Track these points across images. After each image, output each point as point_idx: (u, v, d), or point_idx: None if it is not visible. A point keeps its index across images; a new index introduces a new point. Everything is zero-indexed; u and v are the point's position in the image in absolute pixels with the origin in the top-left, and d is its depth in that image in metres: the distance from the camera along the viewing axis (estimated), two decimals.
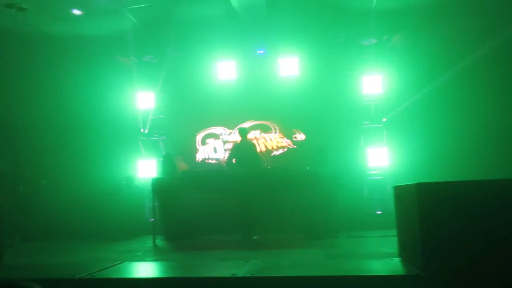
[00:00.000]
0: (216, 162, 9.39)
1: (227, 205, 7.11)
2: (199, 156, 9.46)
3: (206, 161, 9.42)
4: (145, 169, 9.33)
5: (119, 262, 4.42)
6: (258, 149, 8.45)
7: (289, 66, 8.89)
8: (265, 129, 9.25)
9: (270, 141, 9.20)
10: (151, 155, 9.44)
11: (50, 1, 7.00)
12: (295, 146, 9.15)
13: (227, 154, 8.81)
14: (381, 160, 8.73)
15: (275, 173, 7.37)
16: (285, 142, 9.18)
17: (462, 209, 3.28)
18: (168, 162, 7.89)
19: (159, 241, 6.84)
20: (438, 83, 8.16)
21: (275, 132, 9.22)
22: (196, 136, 9.51)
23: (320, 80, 8.75)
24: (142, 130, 9.59)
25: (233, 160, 7.58)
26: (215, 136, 9.44)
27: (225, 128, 9.41)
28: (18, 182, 8.11)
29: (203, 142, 9.47)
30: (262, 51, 9.18)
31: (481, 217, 3.23)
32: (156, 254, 5.88)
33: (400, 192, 3.95)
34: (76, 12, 7.09)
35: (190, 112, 9.32)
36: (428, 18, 7.86)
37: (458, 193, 3.32)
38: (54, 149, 8.67)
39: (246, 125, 9.09)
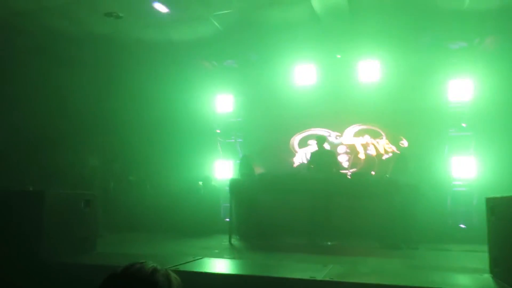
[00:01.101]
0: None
1: (303, 208, 7.07)
2: (297, 160, 9.42)
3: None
4: (222, 169, 9.62)
5: (200, 257, 4.61)
6: (337, 157, 8.30)
7: (370, 70, 8.69)
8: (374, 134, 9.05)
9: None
10: (229, 156, 9.71)
11: (143, 10, 7.48)
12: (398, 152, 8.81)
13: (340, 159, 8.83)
14: (467, 170, 8.21)
15: (353, 179, 7.24)
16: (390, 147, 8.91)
17: None
18: (245, 164, 8.05)
19: (234, 240, 7.00)
20: None
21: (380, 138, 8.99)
22: (290, 139, 9.49)
23: (402, 85, 8.45)
24: (218, 131, 9.89)
25: (311, 167, 7.59)
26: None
27: (329, 130, 9.24)
28: (108, 178, 8.73)
29: (304, 144, 9.36)
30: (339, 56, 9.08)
31: None
32: (233, 253, 6.03)
33: (494, 204, 3.70)
34: (162, 9, 7.42)
35: (267, 115, 9.44)
36: None
37: None
38: (140, 147, 9.22)
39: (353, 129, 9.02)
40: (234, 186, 7.32)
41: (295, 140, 9.47)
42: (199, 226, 8.07)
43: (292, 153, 9.48)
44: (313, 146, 8.87)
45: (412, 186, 6.90)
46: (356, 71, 8.85)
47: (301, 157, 9.38)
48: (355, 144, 9.05)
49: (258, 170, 8.33)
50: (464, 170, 8.24)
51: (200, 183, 8.86)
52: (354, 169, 8.93)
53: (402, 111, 8.52)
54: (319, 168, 7.44)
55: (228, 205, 7.53)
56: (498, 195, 3.79)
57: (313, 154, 7.96)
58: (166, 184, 9.28)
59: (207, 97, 9.82)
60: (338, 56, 9.04)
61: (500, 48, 8.12)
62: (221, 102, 9.86)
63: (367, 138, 9.01)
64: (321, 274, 3.63)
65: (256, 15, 7.73)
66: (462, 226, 8.22)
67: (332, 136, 9.17)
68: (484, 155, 8.09)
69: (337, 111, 9.02)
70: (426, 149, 8.36)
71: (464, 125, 8.35)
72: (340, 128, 9.17)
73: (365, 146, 9.00)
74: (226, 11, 7.58)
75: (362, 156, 8.99)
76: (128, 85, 9.29)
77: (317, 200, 6.86)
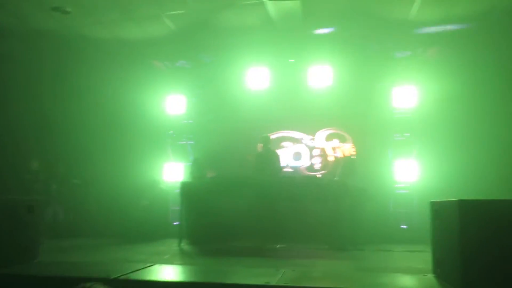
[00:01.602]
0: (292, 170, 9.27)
1: (253, 212, 7.10)
2: None
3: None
4: (172, 172, 9.44)
5: (151, 264, 4.49)
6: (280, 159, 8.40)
7: (322, 75, 8.87)
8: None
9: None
10: (179, 158, 9.55)
11: (92, 5, 7.18)
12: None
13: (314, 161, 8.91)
14: (408, 173, 8.62)
15: (302, 182, 7.35)
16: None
17: (506, 228, 3.22)
18: (196, 167, 7.96)
19: (184, 245, 6.88)
20: (471, 98, 8.04)
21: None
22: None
23: (351, 91, 8.74)
24: (170, 133, 9.71)
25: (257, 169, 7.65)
26: (295, 141, 9.36)
27: (302, 134, 9.33)
28: (51, 181, 8.30)
29: (276, 147, 9.24)
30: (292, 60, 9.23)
31: None
32: (184, 258, 5.92)
33: (439, 208, 3.90)
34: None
35: (220, 118, 9.38)
36: (466, 33, 7.77)
37: (502, 212, 3.27)
38: (86, 149, 8.85)
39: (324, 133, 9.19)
40: (185, 189, 7.21)
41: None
42: (147, 231, 7.85)
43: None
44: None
45: (360, 189, 7.15)
46: (308, 76, 9.00)
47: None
48: (325, 148, 9.26)
49: (210, 173, 8.26)
50: (406, 174, 8.63)
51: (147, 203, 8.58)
52: (324, 171, 9.12)
53: (351, 116, 8.81)
54: (265, 169, 7.50)
55: (178, 208, 7.40)
56: (436, 197, 4.02)
57: (258, 156, 8.01)
58: (113, 187, 8.96)
59: (158, 98, 9.59)
60: (291, 60, 9.17)
61: (441, 57, 8.63)
62: (172, 104, 9.67)
63: (335, 142, 9.23)
64: (274, 279, 3.66)
65: (211, 16, 7.67)
66: (404, 226, 8.62)
67: (305, 139, 9.32)
68: (425, 159, 8.54)
69: (290, 114, 9.14)
70: (372, 153, 8.70)
71: (407, 134, 8.76)
72: (302, 130, 9.35)
73: (334, 150, 9.22)
74: (179, 12, 7.44)
75: (331, 159, 9.21)
76: (74, 84, 8.88)
77: (267, 203, 6.91)
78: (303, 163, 9.28)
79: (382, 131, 8.81)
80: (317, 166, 9.24)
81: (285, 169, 9.11)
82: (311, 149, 9.28)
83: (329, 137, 9.25)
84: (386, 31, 8.00)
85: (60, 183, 8.55)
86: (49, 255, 5.17)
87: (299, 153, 9.28)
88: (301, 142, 9.29)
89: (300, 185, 7.03)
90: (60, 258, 5.28)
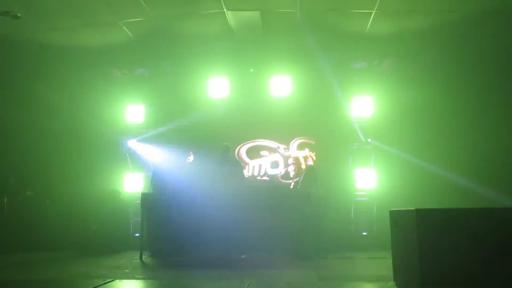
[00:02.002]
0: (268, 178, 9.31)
1: (215, 222, 7.03)
2: (247, 173, 9.29)
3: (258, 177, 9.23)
4: (132, 183, 9.22)
5: (111, 279, 4.35)
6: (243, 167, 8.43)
7: (282, 85, 8.96)
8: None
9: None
10: (139, 169, 9.34)
11: (45, 11, 6.93)
12: None
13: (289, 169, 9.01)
14: (368, 181, 8.85)
15: (265, 192, 7.36)
16: None
17: (462, 235, 3.36)
18: (157, 177, 7.82)
19: (145, 257, 6.72)
20: (425, 108, 8.40)
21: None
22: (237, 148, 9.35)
23: (312, 100, 8.90)
24: (130, 143, 9.49)
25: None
26: (272, 150, 9.41)
27: (277, 143, 9.42)
28: (2, 193, 7.89)
29: (254, 155, 9.30)
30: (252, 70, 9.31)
31: (481, 244, 3.31)
32: (146, 272, 5.76)
33: (398, 217, 4.02)
34: None
35: (180, 126, 9.28)
36: (418, 45, 8.11)
37: (458, 220, 3.41)
38: (40, 159, 8.50)
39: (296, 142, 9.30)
40: (146, 200, 7.05)
41: (242, 150, 9.43)
42: (106, 243, 7.65)
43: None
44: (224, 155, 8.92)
45: (322, 198, 7.26)
46: (268, 85, 9.07)
47: (252, 168, 9.39)
48: (298, 156, 9.35)
49: (171, 183, 8.12)
50: (366, 181, 8.86)
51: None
52: (297, 179, 9.16)
53: (312, 126, 8.97)
54: (226, 178, 7.47)
55: (139, 219, 7.22)
56: (395, 204, 4.16)
57: (219, 165, 7.96)
58: (71, 199, 8.63)
59: (116, 107, 9.36)
60: (251, 70, 9.23)
61: (395, 69, 8.97)
62: (131, 112, 9.45)
63: (307, 151, 9.34)
64: None
65: (170, 25, 7.58)
66: (364, 233, 8.83)
67: (281, 148, 9.38)
68: (382, 167, 8.81)
69: (249, 123, 9.17)
70: (333, 161, 8.89)
71: (369, 140, 9.01)
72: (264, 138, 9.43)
73: (305, 158, 9.30)
74: (138, 19, 7.31)
75: (303, 167, 9.27)
76: (27, 91, 8.50)
77: (229, 213, 6.87)
78: (280, 171, 9.37)
79: (342, 139, 9.03)
80: (292, 174, 9.35)
81: (263, 177, 9.24)
82: (286, 158, 9.39)
83: (300, 147, 9.37)
84: (344, 43, 8.22)
85: (12, 195, 8.13)
86: (1, 272, 4.89)
87: (277, 162, 9.36)
88: (277, 151, 9.40)
89: (262, 194, 7.04)
90: (14, 276, 5.01)
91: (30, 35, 7.68)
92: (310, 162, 9.25)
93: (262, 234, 6.98)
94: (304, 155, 9.34)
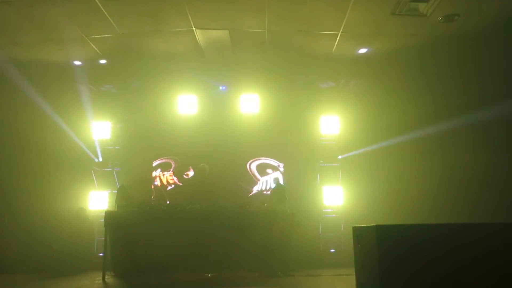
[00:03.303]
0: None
1: (181, 241, 6.91)
2: (258, 187, 9.36)
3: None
4: (97, 201, 8.99)
5: None
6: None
7: (250, 103, 9.04)
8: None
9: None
10: (104, 186, 9.15)
11: (5, 26, 6.76)
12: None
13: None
14: (335, 198, 8.95)
15: (231, 210, 7.32)
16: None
17: (421, 251, 3.42)
18: (122, 195, 7.64)
19: (109, 278, 6.53)
20: (390, 126, 8.62)
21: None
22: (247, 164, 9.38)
23: (280, 119, 9.00)
24: (96, 160, 9.31)
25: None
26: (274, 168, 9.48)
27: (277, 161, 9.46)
28: None
29: (262, 173, 9.41)
30: (224, 87, 9.34)
31: (440, 259, 3.38)
32: None
33: (360, 233, 4.05)
34: None
35: (147, 144, 9.18)
36: (383, 66, 8.37)
37: (417, 236, 3.48)
38: (1, 177, 8.20)
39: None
40: (110, 219, 6.87)
41: (253, 167, 9.41)
42: (69, 264, 7.44)
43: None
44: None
45: (289, 215, 7.27)
46: (237, 104, 9.13)
47: (261, 183, 9.38)
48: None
49: (137, 201, 7.97)
50: (333, 198, 8.96)
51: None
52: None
53: (280, 143, 9.07)
54: (199, 198, 7.41)
55: (103, 239, 7.03)
56: (361, 220, 4.20)
57: (192, 184, 7.91)
58: (30, 218, 8.32)
59: (83, 123, 9.18)
60: (221, 88, 9.27)
61: (361, 89, 9.22)
62: (97, 129, 9.29)
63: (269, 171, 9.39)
64: None
65: (139, 42, 7.55)
66: (332, 250, 8.88)
67: (280, 166, 9.41)
68: (349, 184, 8.94)
69: (219, 142, 9.10)
70: (301, 179, 8.96)
71: (340, 157, 9.17)
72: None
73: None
74: (105, 35, 7.25)
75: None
76: None
77: (196, 232, 6.77)
78: None
79: (310, 157, 9.15)
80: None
81: (268, 192, 9.16)
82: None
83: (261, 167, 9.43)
84: (311, 63, 8.39)
85: None
86: None
87: (278, 179, 9.23)
88: (279, 169, 9.44)
89: (229, 214, 6.98)
90: None
91: None
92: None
93: (228, 253, 6.91)
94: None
